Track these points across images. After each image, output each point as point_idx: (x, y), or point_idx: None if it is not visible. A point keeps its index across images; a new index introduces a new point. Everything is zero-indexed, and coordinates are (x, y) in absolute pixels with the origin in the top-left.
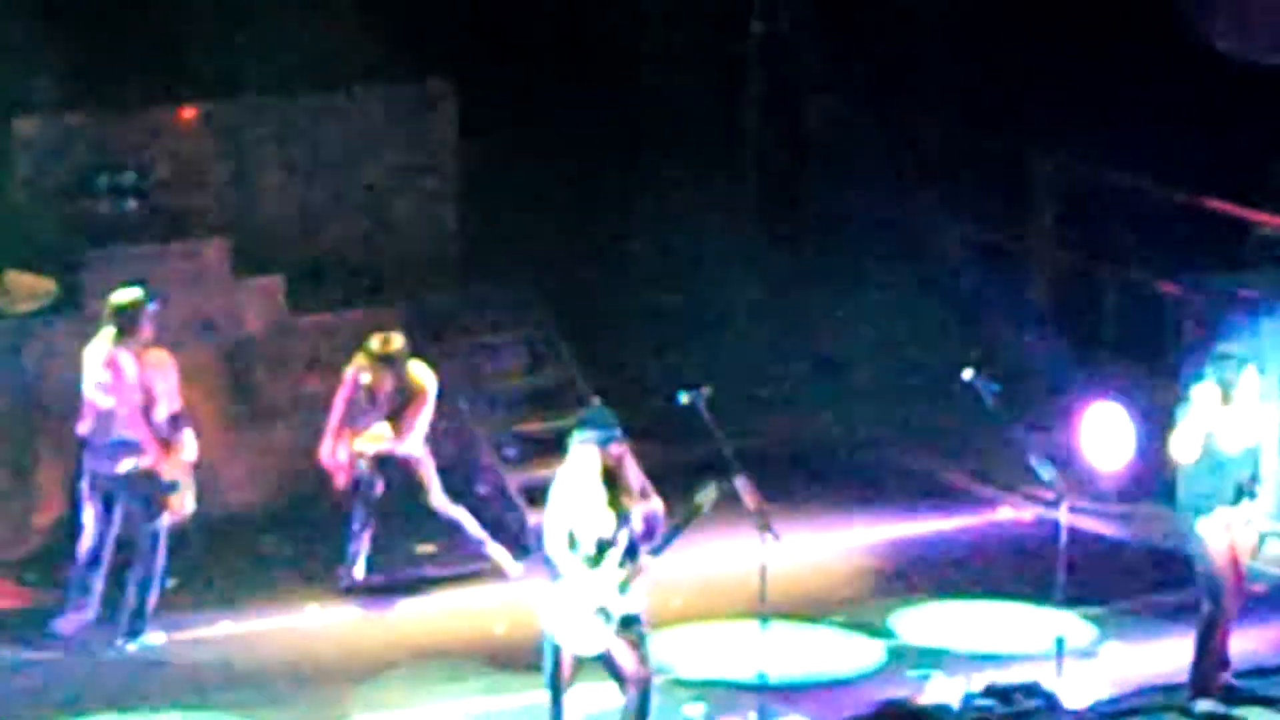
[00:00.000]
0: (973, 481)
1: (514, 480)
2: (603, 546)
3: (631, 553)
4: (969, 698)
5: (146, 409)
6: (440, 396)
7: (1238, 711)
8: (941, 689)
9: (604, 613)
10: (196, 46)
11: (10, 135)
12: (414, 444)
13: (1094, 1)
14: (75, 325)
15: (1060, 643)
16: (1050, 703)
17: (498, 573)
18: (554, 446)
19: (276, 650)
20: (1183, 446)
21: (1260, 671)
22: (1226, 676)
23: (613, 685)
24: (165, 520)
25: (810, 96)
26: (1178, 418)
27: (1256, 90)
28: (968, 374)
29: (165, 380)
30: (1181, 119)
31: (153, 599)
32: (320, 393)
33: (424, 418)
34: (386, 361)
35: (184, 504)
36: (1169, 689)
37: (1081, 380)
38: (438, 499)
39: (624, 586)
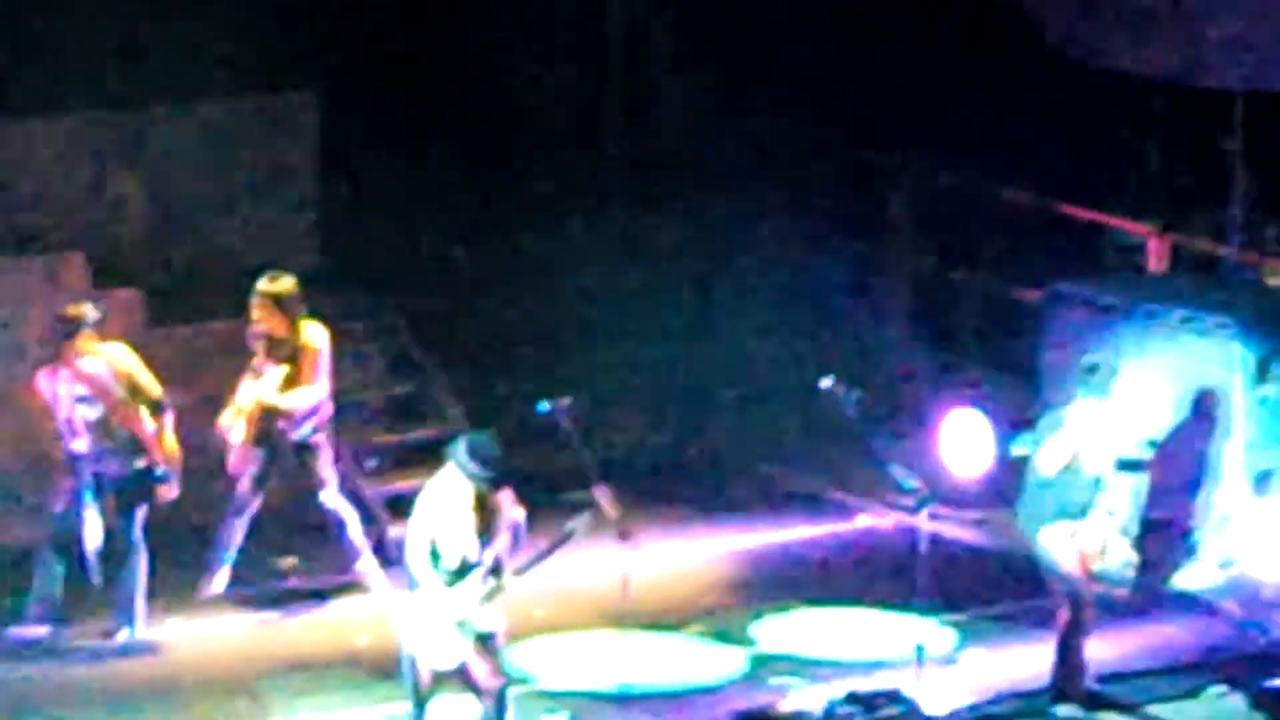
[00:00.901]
0: (833, 489)
1: (374, 491)
2: (466, 565)
3: (494, 569)
4: (831, 705)
5: (133, 403)
6: None
7: (1099, 716)
8: (803, 697)
9: (462, 626)
10: (53, 58)
11: None
12: (307, 397)
13: (953, 8)
14: None
15: (921, 650)
16: (912, 709)
17: (360, 584)
18: (414, 458)
19: (134, 663)
20: (1050, 460)
21: (1120, 676)
22: (1087, 682)
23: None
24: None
25: (669, 102)
26: (1042, 429)
27: (1113, 96)
28: (826, 382)
29: (139, 373)
30: (1040, 125)
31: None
32: (184, 404)
33: (320, 378)
34: (276, 302)
35: (172, 491)
36: (1030, 695)
37: (941, 387)
38: (331, 495)
39: (484, 601)
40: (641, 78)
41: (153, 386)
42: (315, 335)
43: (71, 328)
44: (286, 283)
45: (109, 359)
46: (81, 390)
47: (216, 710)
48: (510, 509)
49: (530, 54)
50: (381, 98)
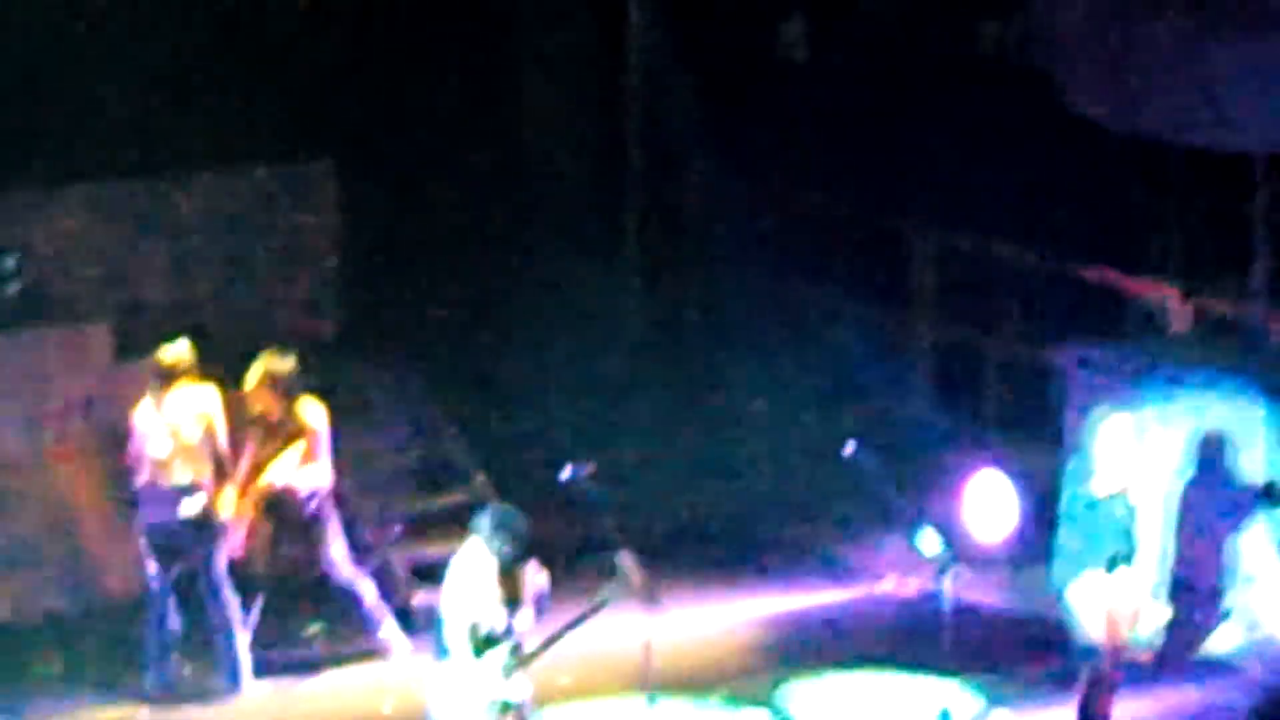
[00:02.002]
0: (857, 553)
1: (399, 557)
2: (494, 636)
3: (519, 641)
4: None
5: (200, 452)
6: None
7: None
8: None
9: (490, 698)
10: (77, 128)
11: None
12: (320, 475)
13: (974, 72)
14: None
15: (946, 714)
16: None
17: (385, 652)
18: (438, 523)
19: None
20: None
21: None
22: None
23: None
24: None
25: (688, 170)
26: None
27: (1135, 159)
28: (850, 447)
29: (217, 419)
30: (1062, 189)
31: (240, 643)
32: None
33: (322, 457)
34: (274, 383)
35: (233, 544)
36: None
37: (964, 451)
38: (342, 568)
39: (508, 671)
40: (660, 144)
41: (224, 442)
42: (314, 415)
43: (167, 375)
44: (287, 363)
45: (192, 400)
46: (156, 428)
47: None
48: (535, 577)
49: (549, 122)
50: (399, 164)
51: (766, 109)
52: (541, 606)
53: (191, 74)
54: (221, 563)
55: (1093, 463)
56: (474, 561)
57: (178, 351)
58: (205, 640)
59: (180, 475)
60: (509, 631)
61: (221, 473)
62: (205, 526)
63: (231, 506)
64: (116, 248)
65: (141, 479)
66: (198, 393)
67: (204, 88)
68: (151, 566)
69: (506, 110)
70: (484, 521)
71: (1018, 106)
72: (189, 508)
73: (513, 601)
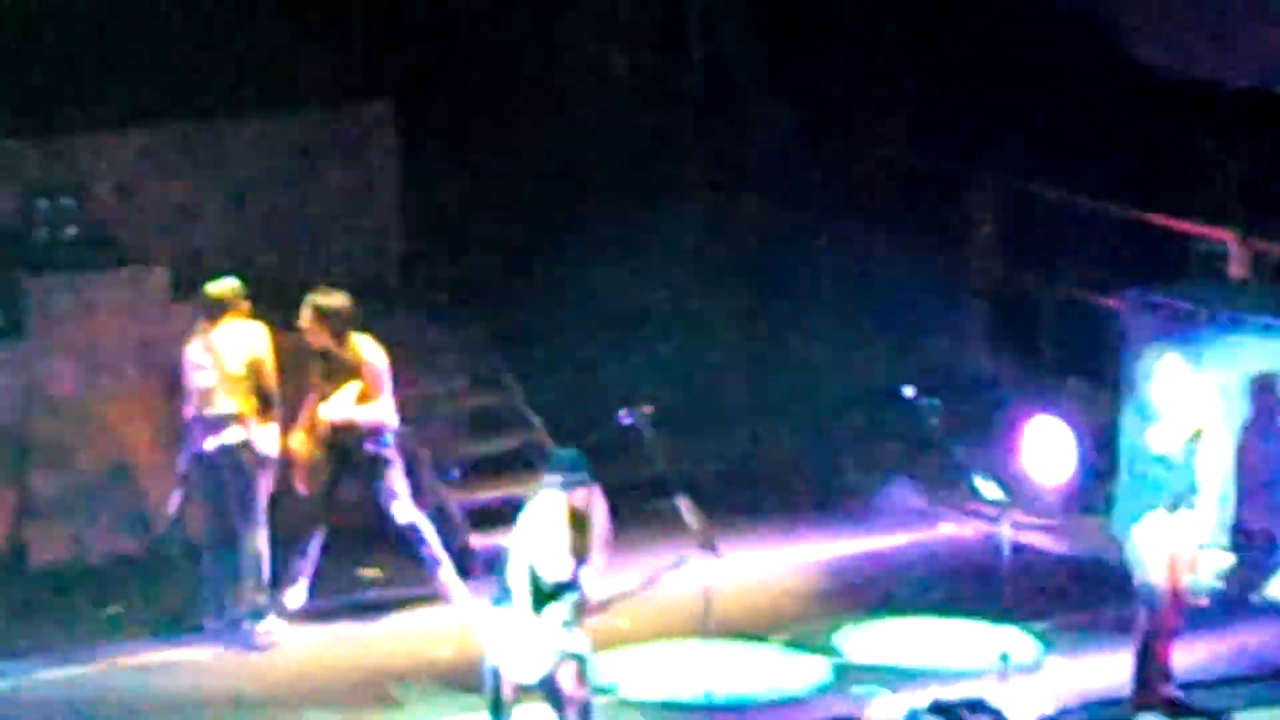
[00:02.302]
0: (915, 498)
1: (456, 502)
2: (558, 587)
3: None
4: (914, 714)
5: (251, 381)
6: None
7: None
8: (887, 706)
9: (548, 646)
10: (135, 71)
11: None
12: (385, 410)
13: (1029, 20)
14: (15, 354)
15: (1005, 658)
16: (996, 718)
17: (442, 596)
18: (497, 468)
19: (217, 676)
20: (1163, 439)
21: (1204, 684)
22: (1170, 689)
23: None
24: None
25: (750, 118)
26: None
27: (1194, 102)
28: (909, 391)
29: (263, 354)
30: (1118, 134)
31: (263, 581)
32: None
33: (383, 393)
34: (323, 317)
35: (265, 477)
36: (1112, 703)
37: (1022, 395)
38: (404, 508)
39: (569, 625)
40: (720, 89)
41: (271, 378)
42: (370, 351)
43: (215, 307)
44: (337, 298)
45: (239, 335)
46: (203, 359)
47: None
48: (605, 538)
49: (609, 64)
50: (459, 108)
51: (828, 54)
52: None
53: (250, 15)
54: (259, 498)
55: (1150, 406)
56: (542, 506)
57: (225, 285)
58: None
59: (223, 405)
60: (574, 584)
61: (267, 408)
62: (244, 457)
63: (293, 441)
64: (174, 191)
65: (188, 409)
66: (244, 328)
67: (262, 29)
68: (174, 503)
69: (568, 54)
70: (548, 464)
71: (1076, 51)
72: (229, 437)
73: (581, 553)
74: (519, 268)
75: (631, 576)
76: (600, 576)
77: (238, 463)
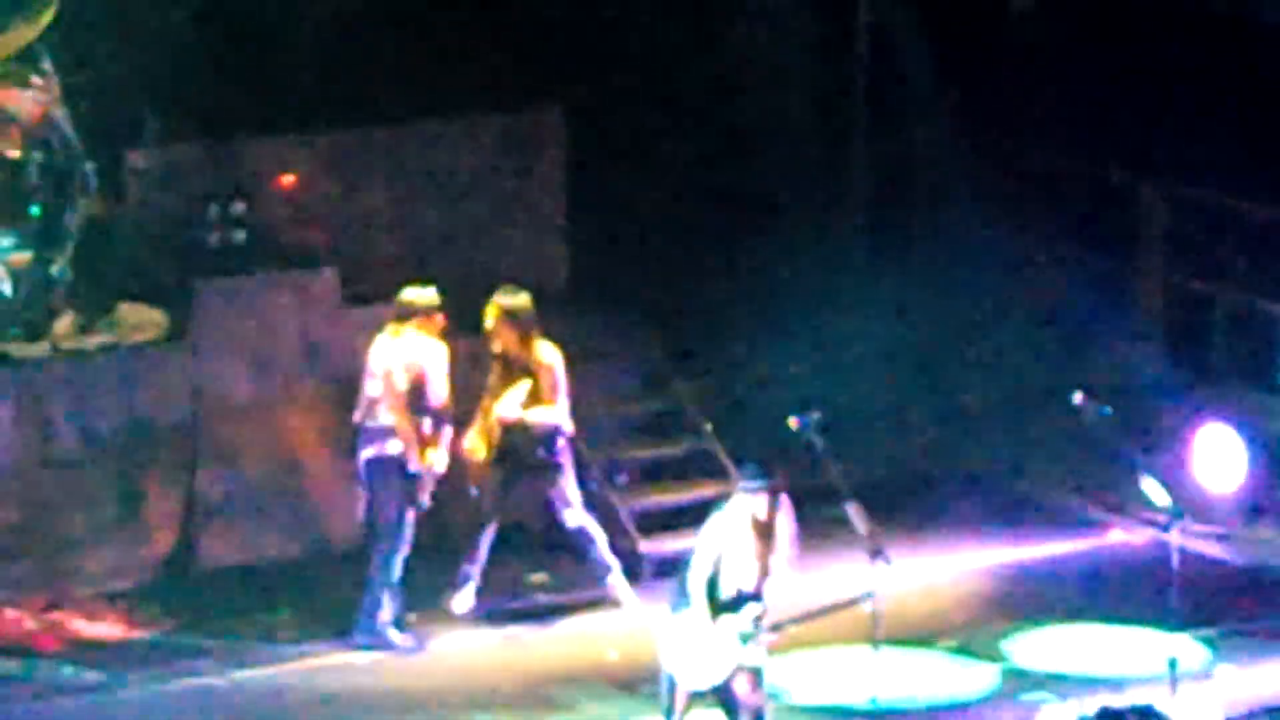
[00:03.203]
0: (1084, 504)
1: (625, 507)
2: (741, 598)
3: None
4: None
5: (412, 398)
6: None
7: None
8: (1055, 713)
9: (724, 656)
10: (306, 76)
11: (122, 167)
12: (559, 414)
13: (1201, 26)
14: (185, 356)
15: (1174, 665)
16: None
17: (611, 601)
18: (665, 473)
19: (386, 679)
20: None
21: None
22: None
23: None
24: (409, 513)
25: (916, 123)
26: None
27: None
28: (1078, 397)
29: (434, 371)
30: None
31: (388, 601)
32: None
33: (559, 397)
34: (511, 317)
35: (423, 498)
36: None
37: (1192, 403)
38: (575, 513)
39: (745, 639)
40: (887, 97)
41: (438, 394)
42: (549, 354)
43: (404, 311)
44: (522, 298)
45: (409, 349)
46: (376, 366)
47: None
48: (791, 552)
49: (777, 76)
50: (628, 116)
51: (995, 61)
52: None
53: (422, 21)
54: (401, 513)
55: None
56: (729, 513)
57: (420, 293)
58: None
59: (384, 417)
60: (755, 597)
61: (435, 426)
62: (392, 472)
63: (466, 442)
64: (344, 196)
65: (357, 415)
66: (419, 343)
67: (431, 36)
68: (363, 508)
69: (735, 64)
70: (746, 470)
71: (1246, 58)
72: (384, 449)
73: (764, 557)
74: (689, 274)
75: (809, 598)
76: (784, 591)
77: (387, 476)
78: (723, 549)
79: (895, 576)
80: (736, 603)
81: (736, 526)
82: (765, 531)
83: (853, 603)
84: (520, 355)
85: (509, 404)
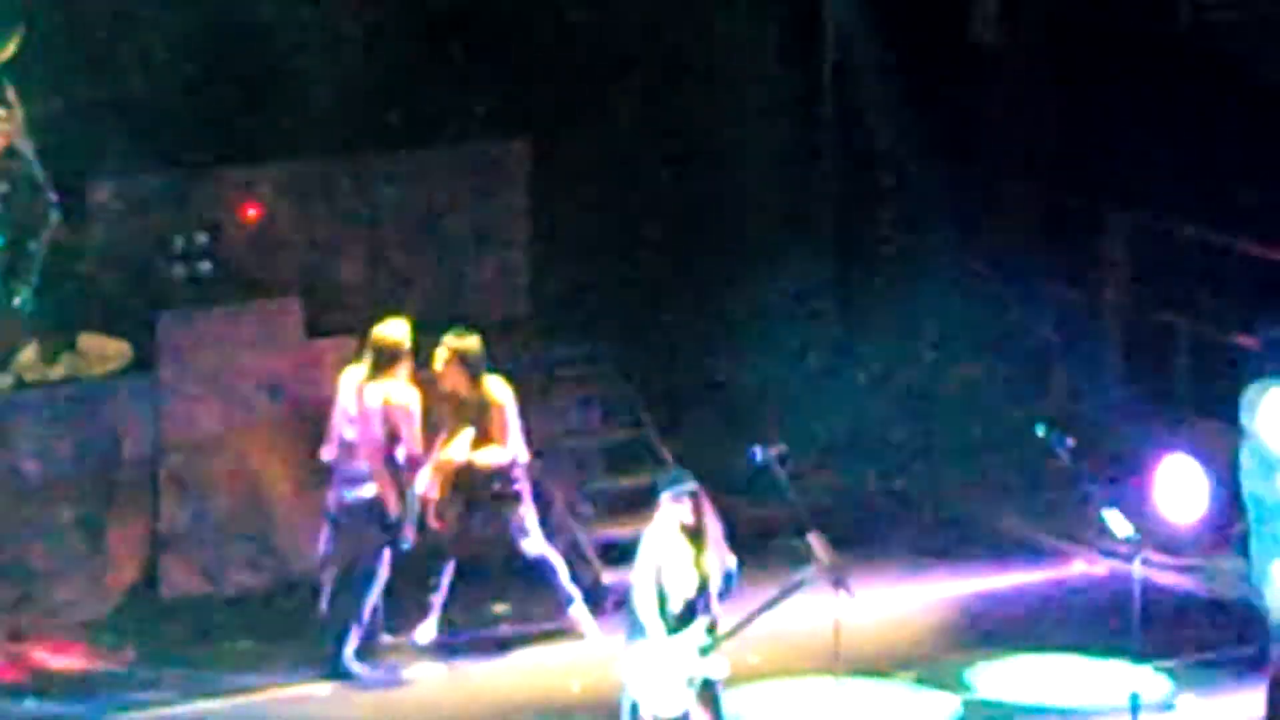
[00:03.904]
0: (1046, 535)
1: (588, 537)
2: (689, 609)
3: (714, 620)
4: None
5: (388, 445)
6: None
7: None
8: None
9: (686, 675)
10: (270, 107)
11: (85, 198)
12: (511, 452)
13: (1164, 54)
14: (148, 387)
15: (1135, 698)
16: None
17: (573, 631)
18: (628, 504)
19: (349, 710)
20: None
21: None
22: None
23: None
24: (384, 553)
25: (881, 151)
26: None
27: None
28: (1041, 429)
29: (409, 422)
30: (1257, 170)
31: (355, 634)
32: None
33: (511, 433)
34: (462, 360)
35: (405, 538)
36: None
37: (1154, 433)
38: (535, 543)
39: (705, 651)
40: (852, 126)
41: (414, 440)
42: (500, 392)
43: (382, 356)
44: (472, 341)
45: (389, 395)
46: (352, 409)
47: None
48: (723, 557)
49: (743, 107)
50: (590, 146)
51: (959, 90)
52: (729, 586)
53: (387, 53)
54: (380, 554)
55: (1261, 441)
56: (657, 528)
57: (396, 331)
58: (388, 620)
59: (362, 463)
60: (703, 608)
61: (410, 469)
62: (375, 517)
63: (420, 479)
64: (309, 226)
65: (329, 454)
66: (394, 388)
67: (398, 67)
68: (324, 542)
69: (702, 91)
70: (660, 488)
71: (1209, 85)
72: (362, 492)
73: (703, 580)
74: (653, 304)
75: (755, 600)
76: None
77: (366, 520)
78: (660, 565)
79: (857, 607)
80: (686, 617)
81: (668, 539)
82: (695, 536)
83: (795, 588)
84: (470, 395)
85: (457, 449)
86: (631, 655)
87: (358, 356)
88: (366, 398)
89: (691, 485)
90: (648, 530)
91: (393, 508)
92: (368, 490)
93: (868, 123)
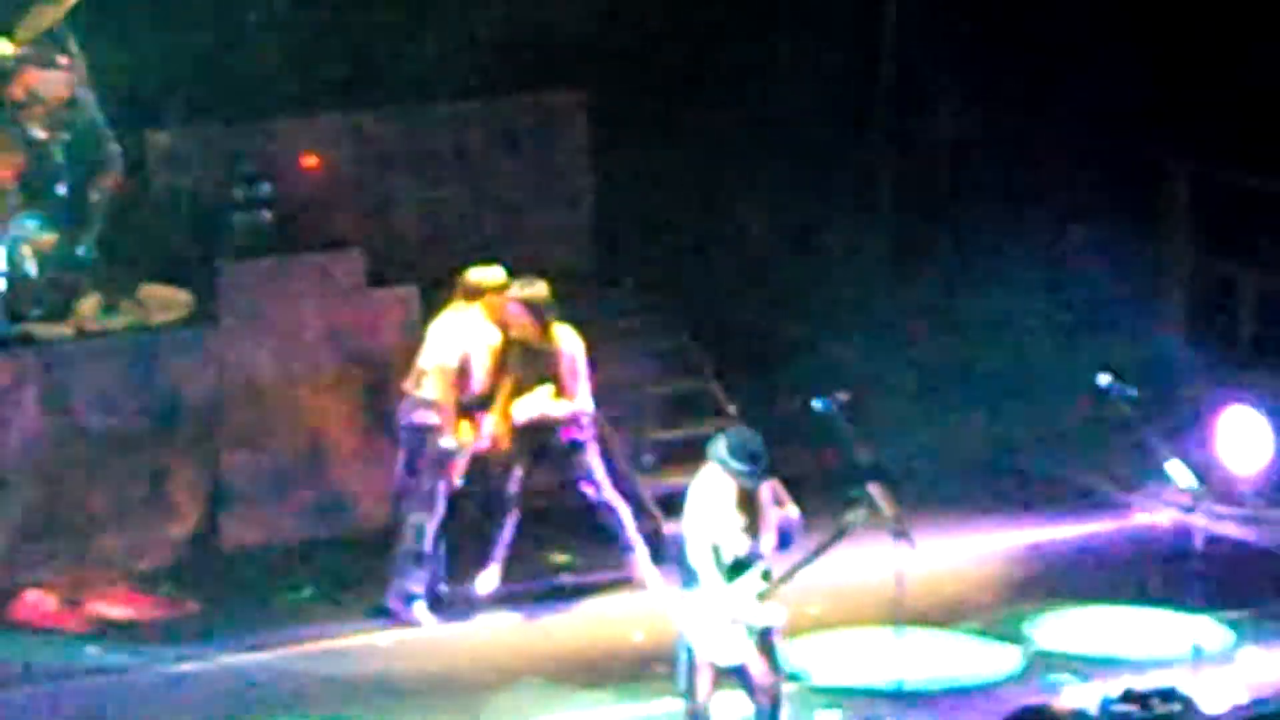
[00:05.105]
0: (1108, 486)
1: (649, 488)
2: (741, 561)
3: (769, 567)
4: (1106, 703)
5: (459, 378)
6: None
7: None
8: (1078, 694)
9: (742, 624)
10: (330, 55)
11: (145, 147)
12: (579, 404)
13: (1230, 4)
14: (209, 337)
15: (1197, 648)
16: (1188, 707)
17: (635, 581)
18: (690, 454)
19: (412, 660)
20: None
21: None
22: None
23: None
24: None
25: (939, 105)
26: None
27: None
28: (1104, 379)
29: (482, 359)
30: None
31: (416, 581)
32: None
33: (580, 382)
34: (529, 308)
35: (454, 475)
36: None
37: (1218, 384)
38: (601, 492)
39: (762, 598)
40: (909, 77)
41: (481, 377)
42: (570, 341)
43: (469, 294)
44: (539, 288)
45: (464, 328)
46: (430, 339)
47: (491, 706)
48: (779, 505)
49: (799, 55)
50: (650, 96)
51: (1019, 37)
52: (789, 538)
53: (448, 2)
54: (433, 486)
55: None
56: (712, 487)
57: (481, 274)
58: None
59: (426, 390)
60: (756, 556)
61: (475, 406)
62: (428, 445)
63: (487, 427)
64: (369, 177)
65: (407, 383)
66: (474, 324)
67: (457, 15)
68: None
69: (762, 43)
70: (719, 445)
71: (1276, 35)
72: (419, 418)
73: (753, 530)
74: (716, 253)
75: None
76: (783, 531)
77: (420, 447)
78: (711, 517)
79: (918, 558)
80: (742, 565)
81: (720, 498)
82: (750, 498)
83: (842, 533)
84: (539, 343)
85: (528, 405)
86: (688, 604)
87: (450, 299)
88: (445, 326)
89: (756, 476)
90: (698, 481)
91: (448, 439)
92: (431, 417)
93: (925, 77)
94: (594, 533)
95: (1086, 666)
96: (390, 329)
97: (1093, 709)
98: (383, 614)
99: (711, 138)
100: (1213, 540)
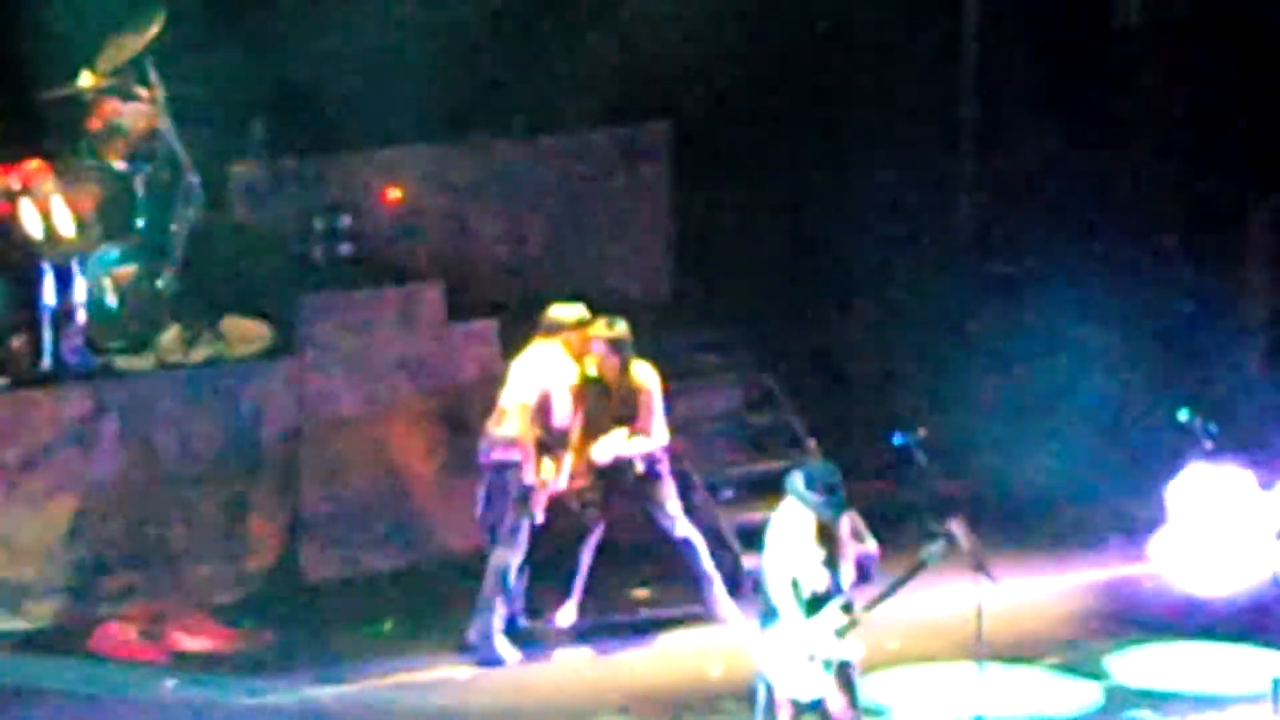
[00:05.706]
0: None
1: (728, 521)
2: (820, 595)
3: (848, 601)
4: None
5: (538, 414)
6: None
7: None
8: None
9: (820, 659)
10: (412, 89)
11: (227, 180)
12: (656, 441)
13: None
14: (290, 370)
15: (1277, 684)
16: None
17: (712, 616)
18: (769, 487)
19: (490, 694)
20: None
21: None
22: None
23: None
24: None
25: (1023, 139)
26: None
27: None
28: (1184, 415)
29: (563, 396)
30: None
31: (497, 616)
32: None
33: (657, 418)
34: (613, 347)
35: (536, 511)
36: None
37: None
38: (679, 526)
39: (841, 633)
40: (993, 109)
41: (563, 414)
42: (647, 377)
43: (550, 330)
44: (620, 328)
45: (544, 365)
46: (510, 376)
47: None
48: (858, 540)
49: (881, 88)
50: (732, 129)
51: (1101, 75)
52: (868, 572)
53: (526, 36)
54: (516, 523)
55: None
56: (791, 520)
57: (562, 311)
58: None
59: (507, 427)
60: (834, 590)
61: (553, 442)
62: (510, 482)
63: (565, 462)
64: (450, 209)
65: (490, 422)
66: (555, 361)
67: (540, 50)
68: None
69: (842, 76)
70: (797, 479)
71: None
72: (500, 456)
73: (832, 564)
74: (794, 288)
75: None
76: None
77: (502, 485)
78: (790, 551)
79: (999, 593)
80: (820, 599)
81: (799, 533)
82: (827, 533)
83: (919, 567)
84: (619, 381)
85: (607, 447)
86: (766, 638)
87: (531, 335)
88: (525, 363)
89: (836, 509)
90: (776, 515)
91: (529, 475)
92: (513, 455)
93: (1010, 112)
94: (672, 567)
95: (1166, 703)
96: (470, 362)
97: None
98: (463, 648)
99: (793, 170)
100: None
